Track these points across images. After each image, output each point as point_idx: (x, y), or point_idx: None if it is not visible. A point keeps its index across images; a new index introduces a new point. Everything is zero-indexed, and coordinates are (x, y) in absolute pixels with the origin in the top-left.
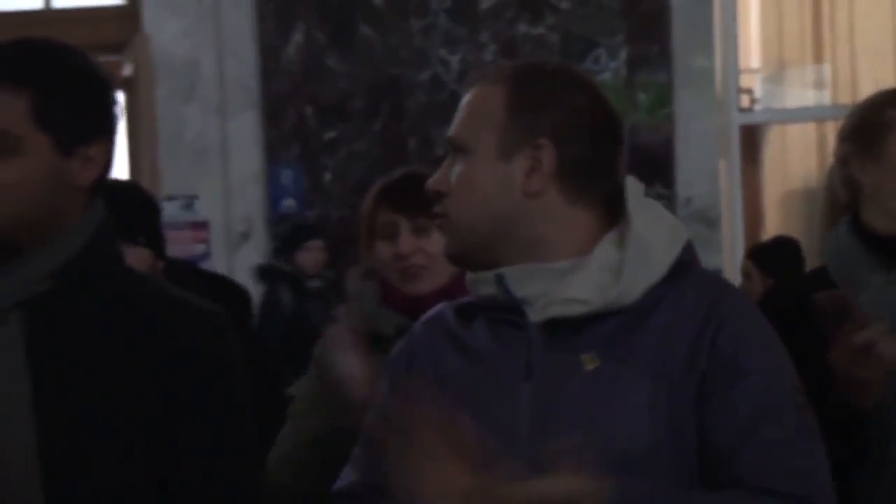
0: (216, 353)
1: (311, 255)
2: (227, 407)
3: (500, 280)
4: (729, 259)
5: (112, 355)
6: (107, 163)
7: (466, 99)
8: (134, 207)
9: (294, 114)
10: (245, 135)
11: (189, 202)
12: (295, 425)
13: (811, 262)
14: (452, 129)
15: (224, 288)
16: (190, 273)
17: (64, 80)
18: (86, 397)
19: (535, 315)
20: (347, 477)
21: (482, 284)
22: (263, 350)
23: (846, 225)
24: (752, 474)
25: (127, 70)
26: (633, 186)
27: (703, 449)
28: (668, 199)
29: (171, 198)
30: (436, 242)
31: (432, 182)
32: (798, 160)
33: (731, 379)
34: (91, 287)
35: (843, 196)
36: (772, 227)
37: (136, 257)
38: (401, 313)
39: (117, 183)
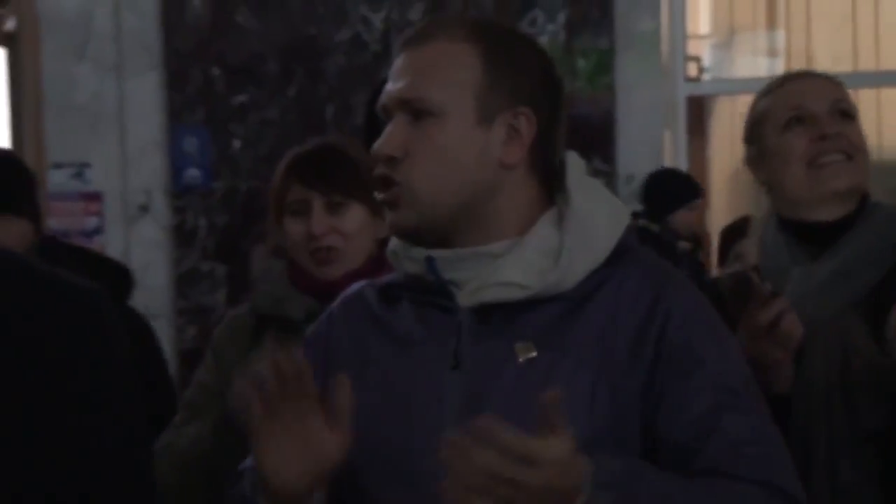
0: (84, 334)
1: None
2: (98, 390)
3: (429, 261)
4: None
5: None
6: None
7: (421, 55)
8: (12, 177)
9: (199, 75)
10: (144, 97)
11: (80, 170)
12: (195, 420)
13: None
14: (411, 89)
15: (101, 265)
16: (63, 249)
17: None
18: None
19: (466, 299)
20: None
21: (408, 261)
22: (145, 329)
23: (773, 222)
24: (719, 466)
25: (10, 24)
26: (574, 162)
27: (659, 444)
28: (608, 176)
29: (59, 165)
30: (351, 221)
31: (383, 146)
32: None
33: (686, 370)
34: None
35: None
36: (719, 207)
37: (17, 230)
38: (311, 297)
39: None
